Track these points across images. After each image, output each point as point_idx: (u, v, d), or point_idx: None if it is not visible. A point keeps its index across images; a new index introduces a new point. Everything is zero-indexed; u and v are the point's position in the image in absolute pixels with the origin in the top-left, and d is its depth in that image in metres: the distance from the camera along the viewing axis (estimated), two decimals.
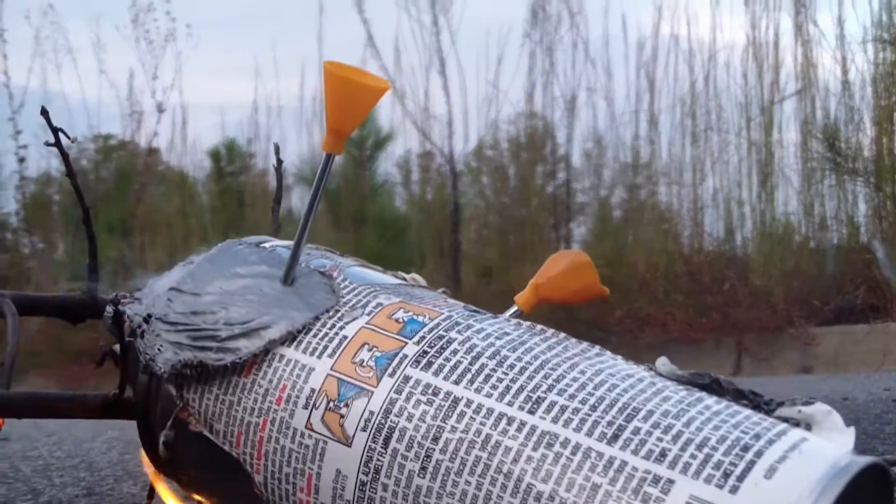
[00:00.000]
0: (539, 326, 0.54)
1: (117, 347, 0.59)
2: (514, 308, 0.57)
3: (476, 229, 4.87)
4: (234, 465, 0.53)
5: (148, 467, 0.58)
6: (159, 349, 0.54)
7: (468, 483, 0.48)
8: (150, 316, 0.56)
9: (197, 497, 0.57)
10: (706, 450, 0.45)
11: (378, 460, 0.49)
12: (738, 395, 0.50)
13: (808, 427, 0.49)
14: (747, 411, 0.48)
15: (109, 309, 0.58)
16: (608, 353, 0.52)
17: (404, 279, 0.59)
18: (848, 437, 0.48)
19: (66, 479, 1.31)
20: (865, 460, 0.46)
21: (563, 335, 0.53)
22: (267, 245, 0.59)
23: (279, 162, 0.73)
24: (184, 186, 4.78)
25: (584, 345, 0.53)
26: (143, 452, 0.58)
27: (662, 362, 0.52)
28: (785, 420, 0.49)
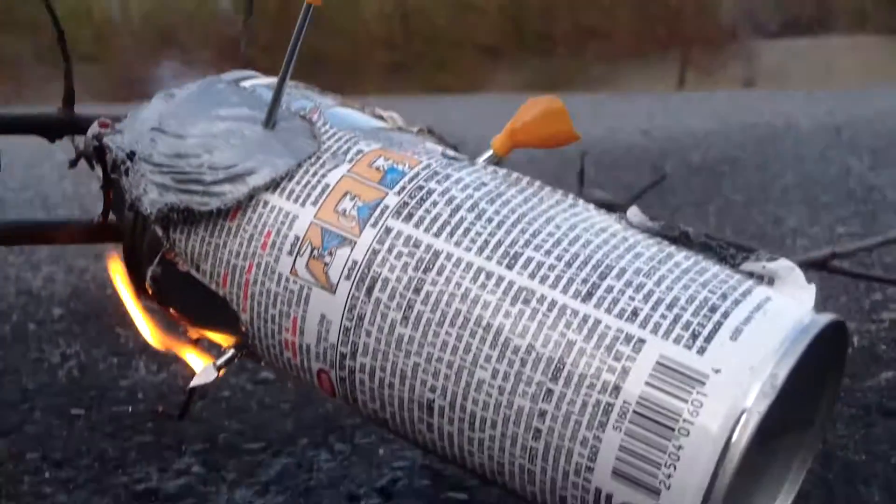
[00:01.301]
0: (515, 175, 0.55)
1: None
2: (490, 152, 0.58)
3: None
4: (221, 303, 0.55)
5: (130, 295, 0.60)
6: (144, 190, 0.55)
7: (448, 334, 0.50)
8: (133, 153, 0.56)
9: (184, 326, 0.59)
10: (676, 310, 0.48)
11: (361, 308, 0.52)
12: (706, 248, 0.53)
13: (771, 282, 0.51)
14: (715, 268, 0.51)
15: (91, 136, 0.59)
16: (581, 202, 0.54)
17: (381, 117, 0.60)
18: (809, 293, 0.51)
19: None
20: (825, 320, 0.49)
21: (538, 184, 0.55)
22: (247, 84, 0.60)
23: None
24: None
25: (559, 195, 0.54)
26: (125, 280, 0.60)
27: (634, 213, 0.54)
28: (749, 274, 0.52)
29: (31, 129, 0.68)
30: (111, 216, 0.62)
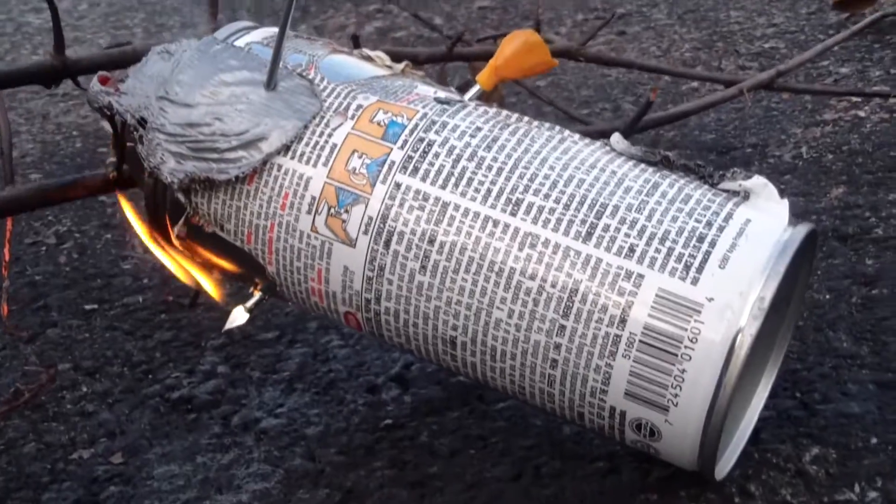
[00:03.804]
0: (504, 113, 0.60)
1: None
2: (476, 87, 0.62)
3: None
4: (247, 257, 0.60)
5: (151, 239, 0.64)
6: (162, 158, 0.59)
7: (465, 280, 0.56)
8: (144, 120, 0.60)
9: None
10: (668, 243, 0.54)
11: (381, 259, 0.57)
12: (686, 170, 0.58)
13: (747, 196, 0.57)
14: (697, 193, 0.56)
15: (95, 96, 0.62)
16: (567, 133, 0.59)
17: (370, 58, 0.63)
18: (782, 206, 0.56)
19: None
20: (801, 233, 0.55)
21: (525, 120, 0.59)
22: (241, 42, 0.62)
23: None
24: None
25: (546, 131, 0.59)
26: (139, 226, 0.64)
27: (616, 140, 0.59)
28: (727, 191, 0.57)
29: (28, 79, 0.70)
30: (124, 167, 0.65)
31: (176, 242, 0.62)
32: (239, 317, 0.62)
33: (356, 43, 0.77)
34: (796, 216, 0.57)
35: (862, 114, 1.02)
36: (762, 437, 0.62)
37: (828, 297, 0.74)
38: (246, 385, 0.74)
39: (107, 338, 0.81)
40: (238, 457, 0.67)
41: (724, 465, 0.59)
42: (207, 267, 0.64)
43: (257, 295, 0.62)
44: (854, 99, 1.04)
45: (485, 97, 0.62)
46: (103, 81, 0.63)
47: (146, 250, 0.66)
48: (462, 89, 0.62)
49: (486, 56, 0.90)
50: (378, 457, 0.65)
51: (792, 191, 0.90)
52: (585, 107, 1.16)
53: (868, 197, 0.87)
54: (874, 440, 0.61)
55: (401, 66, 0.63)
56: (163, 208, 0.62)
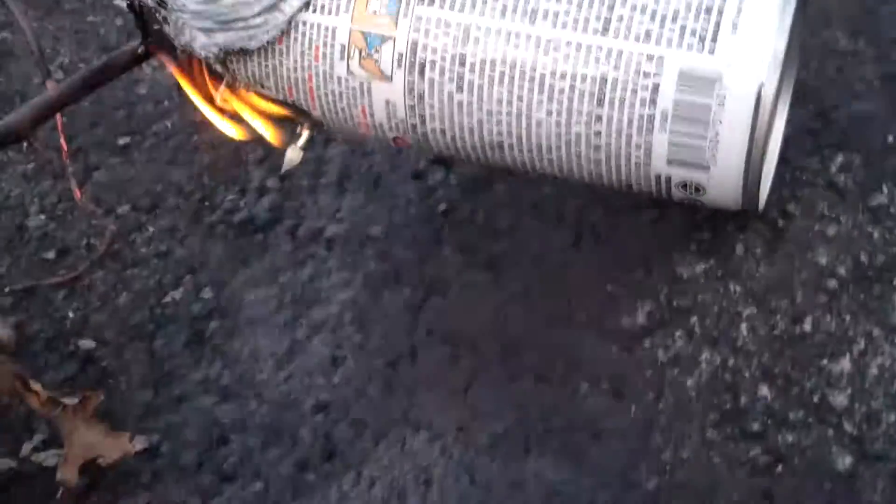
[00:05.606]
0: None
1: None
2: None
3: None
4: (292, 107, 0.65)
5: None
6: (192, 36, 0.62)
7: (500, 92, 0.60)
8: (163, 2, 0.63)
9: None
10: (679, 21, 0.58)
11: (419, 88, 0.61)
12: None
13: None
14: None
15: None
16: None
17: None
18: None
19: None
20: None
21: None
22: None
23: None
24: None
25: None
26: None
27: None
28: None
29: None
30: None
31: (222, 105, 0.66)
32: (294, 156, 0.67)
33: None
34: None
35: None
36: (788, 156, 0.67)
37: None
38: (298, 195, 0.78)
39: (152, 171, 0.85)
40: (316, 269, 0.72)
41: (763, 193, 0.65)
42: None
43: (306, 133, 0.67)
44: None
45: None
46: None
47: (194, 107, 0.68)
48: None
49: None
50: (445, 245, 0.71)
51: None
52: None
53: None
54: (891, 138, 0.66)
55: None
56: (201, 77, 0.65)
